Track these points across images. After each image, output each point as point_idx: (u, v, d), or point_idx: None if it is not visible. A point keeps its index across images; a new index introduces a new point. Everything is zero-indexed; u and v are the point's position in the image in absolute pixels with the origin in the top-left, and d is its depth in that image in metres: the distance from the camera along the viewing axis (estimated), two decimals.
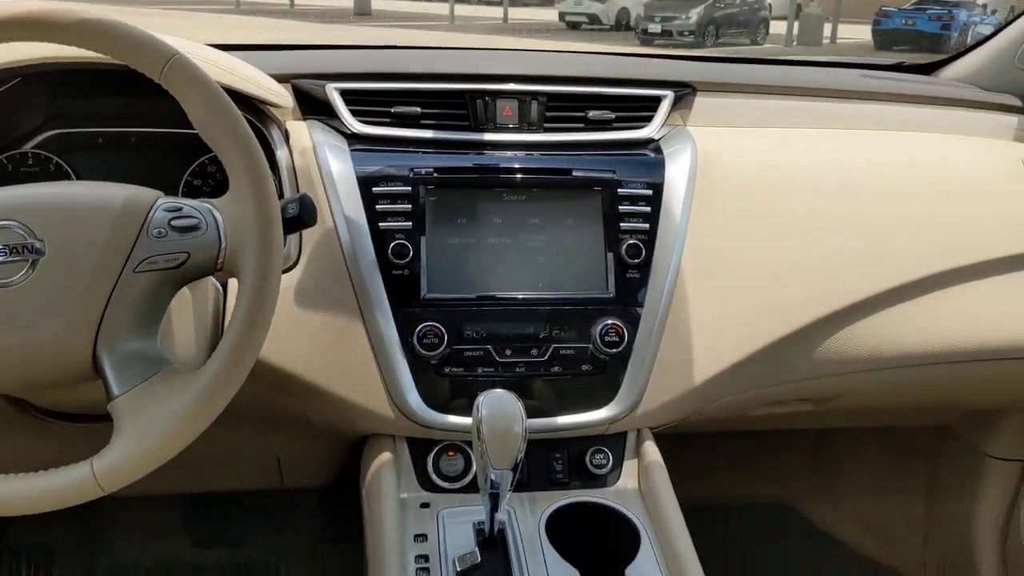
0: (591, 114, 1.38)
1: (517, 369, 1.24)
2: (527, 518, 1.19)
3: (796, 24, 18.63)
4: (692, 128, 1.45)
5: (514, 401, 1.04)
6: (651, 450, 1.29)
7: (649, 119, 1.41)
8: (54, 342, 0.90)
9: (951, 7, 17.77)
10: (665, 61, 1.84)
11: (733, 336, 1.31)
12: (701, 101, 1.49)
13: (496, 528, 1.13)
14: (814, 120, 1.56)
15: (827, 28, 19.01)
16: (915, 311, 1.40)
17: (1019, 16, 1.76)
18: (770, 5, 20.68)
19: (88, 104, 1.30)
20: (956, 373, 1.46)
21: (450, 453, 1.25)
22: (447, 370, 1.23)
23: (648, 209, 1.31)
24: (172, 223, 0.94)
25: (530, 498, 1.23)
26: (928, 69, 1.94)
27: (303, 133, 1.31)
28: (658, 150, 1.38)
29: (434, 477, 1.24)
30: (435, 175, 1.27)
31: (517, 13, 24.36)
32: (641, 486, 1.27)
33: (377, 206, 1.25)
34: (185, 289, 1.05)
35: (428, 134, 1.34)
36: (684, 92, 1.46)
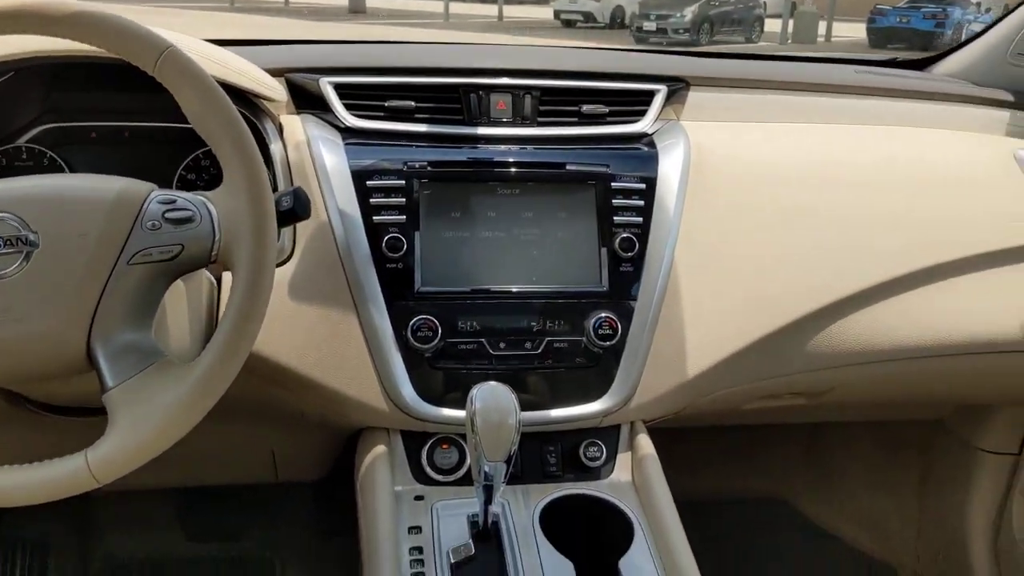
0: (585, 108, 1.38)
1: (511, 362, 1.24)
2: (521, 510, 1.20)
3: (791, 22, 18.66)
4: (685, 123, 1.45)
5: (508, 393, 1.04)
6: (644, 443, 1.29)
7: (643, 113, 1.41)
8: (48, 334, 0.90)
9: (945, 5, 17.80)
10: (659, 56, 1.84)
11: (726, 329, 1.32)
12: (694, 96, 1.49)
13: (490, 520, 1.14)
14: (808, 115, 1.57)
15: (822, 26, 19.04)
16: (907, 304, 1.41)
17: (1011, 12, 1.76)
18: (765, 3, 20.70)
19: (82, 98, 1.30)
20: (948, 366, 1.47)
21: (444, 446, 1.26)
22: (441, 363, 1.23)
23: (641, 203, 1.31)
24: (166, 215, 0.94)
25: (524, 491, 1.23)
26: (921, 65, 1.95)
27: (297, 127, 1.32)
28: (651, 144, 1.39)
29: (428, 470, 1.25)
30: (429, 169, 1.28)
31: (512, 11, 24.34)
32: (635, 479, 1.27)
33: (371, 200, 1.25)
34: (179, 282, 1.05)
35: (422, 128, 1.34)
36: (677, 87, 1.46)
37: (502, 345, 1.24)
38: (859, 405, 1.79)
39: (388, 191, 1.25)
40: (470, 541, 1.13)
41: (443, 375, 1.23)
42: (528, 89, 1.37)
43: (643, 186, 1.32)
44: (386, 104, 1.34)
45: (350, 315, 1.22)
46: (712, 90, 1.52)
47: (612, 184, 1.31)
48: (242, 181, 0.93)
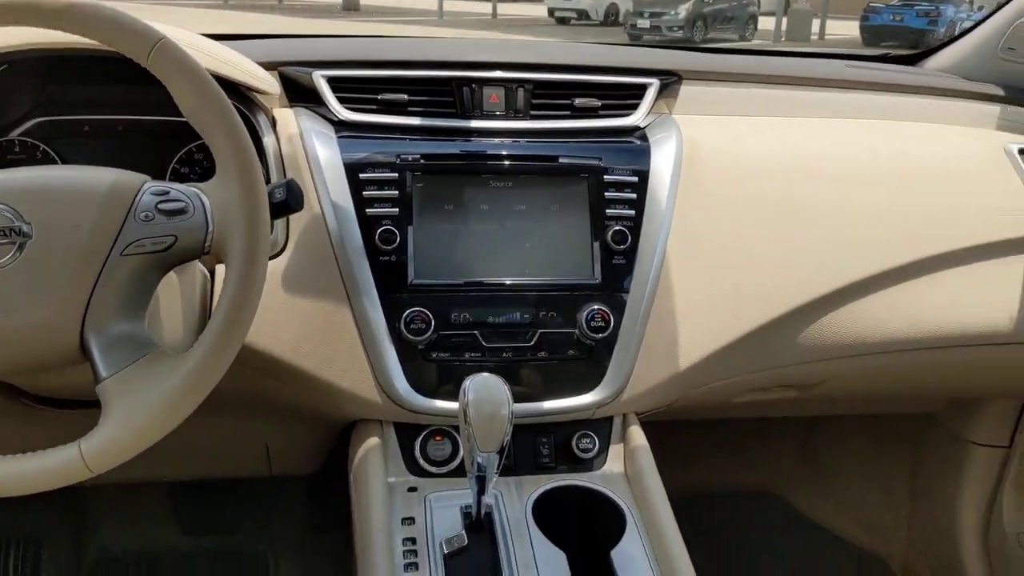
0: (577, 102, 1.39)
1: (504, 354, 1.25)
2: (514, 502, 1.20)
3: (785, 20, 18.70)
4: (678, 116, 1.46)
5: (500, 385, 1.05)
6: (637, 434, 1.30)
7: (635, 107, 1.42)
8: (42, 325, 0.90)
9: (938, 3, 17.87)
10: (651, 50, 1.85)
11: (718, 322, 1.33)
12: (687, 89, 1.49)
13: (483, 511, 1.14)
14: (799, 109, 1.57)
15: (816, 24, 19.08)
16: (898, 297, 1.41)
17: (1001, 7, 1.77)
18: (759, 1, 20.74)
19: (75, 92, 1.30)
20: (938, 359, 1.48)
21: (437, 438, 1.26)
22: (434, 355, 1.23)
23: (634, 196, 1.32)
24: (159, 206, 0.94)
25: (517, 482, 1.24)
26: (912, 60, 1.96)
27: (290, 120, 1.32)
28: (644, 138, 1.39)
29: (421, 462, 1.25)
30: (422, 161, 1.28)
31: (506, 8, 24.34)
32: (627, 470, 1.28)
33: (364, 192, 1.25)
34: (173, 274, 1.06)
35: (415, 121, 1.34)
36: (670, 80, 1.47)
37: (495, 337, 1.25)
38: (850, 398, 1.79)
39: (381, 184, 1.26)
40: (463, 532, 1.14)
41: (436, 367, 1.24)
42: (521, 82, 1.37)
43: (635, 179, 1.33)
44: (379, 97, 1.34)
45: (343, 307, 1.22)
46: (704, 84, 1.52)
47: (604, 177, 1.31)
48: (235, 172, 0.93)
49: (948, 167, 1.51)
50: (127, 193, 0.94)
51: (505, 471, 1.21)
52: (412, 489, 1.22)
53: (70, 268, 0.90)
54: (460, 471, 1.23)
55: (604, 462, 1.29)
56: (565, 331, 1.26)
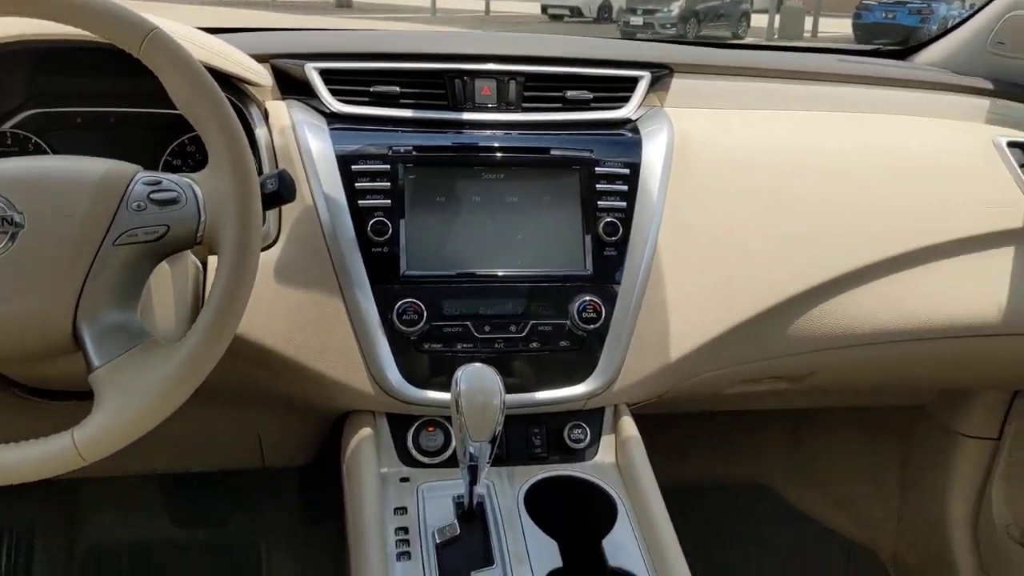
0: (569, 94, 1.39)
1: (496, 345, 1.25)
2: (506, 492, 1.21)
3: (777, 17, 18.72)
4: (669, 109, 1.47)
5: (492, 374, 1.05)
6: (628, 425, 1.30)
7: (626, 99, 1.42)
8: (34, 314, 0.91)
9: (930, 1, 17.89)
10: (643, 43, 1.85)
11: (709, 313, 1.33)
12: (678, 83, 1.50)
13: (475, 501, 1.15)
14: (790, 102, 1.58)
15: (808, 21, 19.11)
16: (888, 289, 1.42)
17: (991, 1, 1.78)
18: None
19: (67, 84, 1.29)
20: (928, 350, 1.49)
21: (430, 429, 1.27)
22: (427, 346, 1.24)
23: (625, 188, 1.32)
24: (151, 196, 0.94)
25: (509, 472, 1.24)
26: (903, 54, 1.97)
27: (282, 112, 1.32)
28: (635, 130, 1.40)
29: (414, 452, 1.25)
30: (414, 153, 1.28)
31: (499, 6, 24.31)
32: (618, 460, 1.28)
33: (356, 184, 1.25)
34: (165, 265, 1.06)
35: (407, 113, 1.34)
36: (661, 73, 1.47)
37: (487, 328, 1.25)
38: (840, 391, 1.80)
39: (373, 175, 1.26)
40: (455, 521, 1.14)
41: (428, 358, 1.24)
42: (513, 75, 1.38)
43: (627, 171, 1.33)
44: (371, 89, 1.34)
45: (336, 299, 1.23)
46: (696, 77, 1.53)
47: (596, 169, 1.32)
48: (227, 162, 0.93)
49: (938, 160, 1.52)
50: (119, 183, 0.94)
51: (497, 461, 1.22)
52: (404, 479, 1.23)
53: (62, 258, 0.91)
54: (452, 462, 1.23)
55: (596, 452, 1.30)
56: (557, 322, 1.27)
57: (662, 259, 1.31)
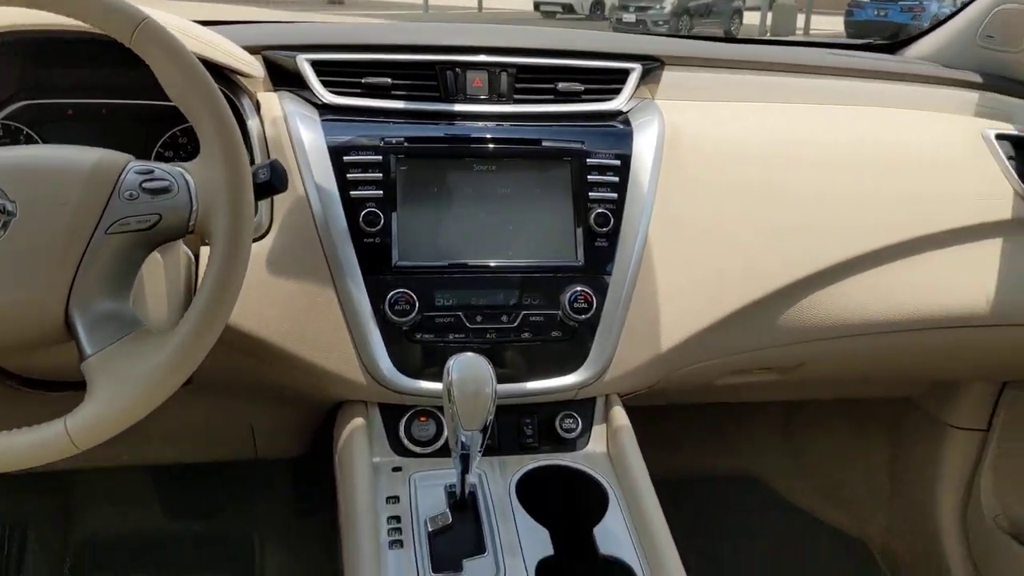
0: (560, 86, 1.40)
1: (488, 335, 1.26)
2: (498, 481, 1.21)
3: (769, 15, 18.75)
4: (660, 101, 1.47)
5: (484, 363, 1.06)
6: (619, 415, 1.31)
7: (618, 91, 1.43)
8: (26, 302, 0.91)
9: None
10: (634, 36, 1.86)
11: (699, 304, 1.34)
12: (669, 75, 1.50)
13: (467, 490, 1.15)
14: (780, 95, 1.58)
15: (800, 19, 19.14)
16: (876, 280, 1.43)
17: None
18: None
19: (59, 75, 1.29)
20: (917, 341, 1.50)
21: (422, 419, 1.27)
22: (418, 336, 1.24)
23: (616, 179, 1.33)
24: (143, 185, 0.94)
25: (500, 462, 1.25)
26: (893, 49, 1.98)
27: (274, 103, 1.32)
28: (626, 122, 1.40)
29: (406, 442, 1.26)
30: (406, 144, 1.29)
31: (491, 2, 24.30)
32: (609, 450, 1.29)
33: (348, 175, 1.26)
34: (158, 256, 1.06)
35: (399, 104, 1.35)
36: (652, 66, 1.48)
37: (479, 318, 1.26)
38: (831, 382, 1.81)
39: (365, 166, 1.26)
40: (447, 510, 1.15)
41: (421, 348, 1.24)
42: (504, 67, 1.38)
43: (618, 163, 1.34)
44: (363, 81, 1.34)
45: (328, 289, 1.23)
46: (686, 70, 1.53)
47: (587, 161, 1.32)
48: (219, 151, 0.93)
49: (927, 153, 1.53)
50: (111, 172, 0.94)
51: (489, 451, 1.23)
52: (397, 469, 1.23)
53: (55, 246, 0.91)
54: (444, 451, 1.24)
55: (587, 442, 1.30)
56: (548, 313, 1.27)
57: (653, 250, 1.32)
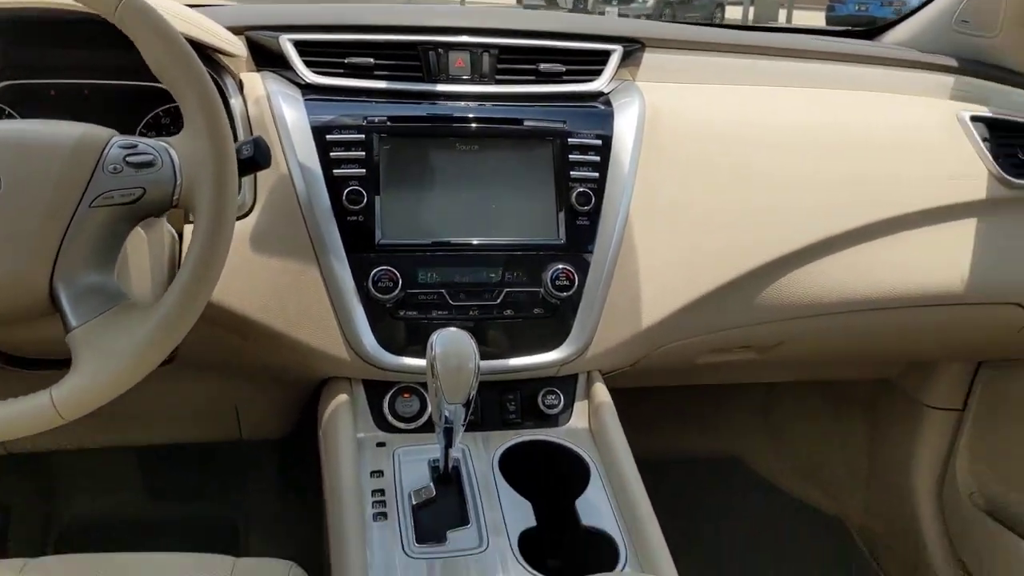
0: (542, 67, 1.40)
1: (470, 312, 1.27)
2: (481, 455, 1.23)
3: (751, 8, 18.82)
4: (641, 83, 1.48)
5: (467, 338, 1.07)
6: (601, 392, 1.33)
7: (599, 73, 1.44)
8: (10, 275, 0.91)
9: None
10: (615, 19, 1.87)
11: (679, 281, 1.36)
12: (650, 57, 1.52)
13: (451, 464, 1.16)
14: (759, 78, 1.60)
15: (782, 14, 19.23)
16: (855, 259, 1.45)
17: None
18: None
19: (41, 55, 1.29)
20: (894, 320, 1.52)
21: (405, 395, 1.28)
22: (402, 313, 1.25)
23: (597, 159, 1.34)
24: (127, 159, 0.95)
25: (484, 437, 1.26)
26: (871, 35, 2.01)
27: (257, 83, 1.32)
28: (607, 103, 1.41)
29: (390, 418, 1.27)
30: (388, 124, 1.29)
31: None
32: (591, 425, 1.31)
33: (331, 154, 1.26)
34: (141, 232, 1.07)
35: (381, 84, 1.35)
36: (633, 48, 1.49)
37: (462, 296, 1.27)
38: (809, 363, 1.83)
39: (348, 145, 1.27)
40: (431, 484, 1.16)
41: (404, 325, 1.25)
42: (486, 47, 1.39)
43: (599, 143, 1.35)
44: (345, 61, 1.35)
45: (311, 266, 1.24)
46: (667, 52, 1.54)
47: (569, 140, 1.34)
48: (203, 125, 0.94)
49: (904, 135, 1.55)
50: (95, 146, 0.95)
51: (472, 427, 1.24)
52: (381, 444, 1.24)
53: (39, 219, 0.91)
54: (428, 427, 1.25)
55: (569, 418, 1.32)
56: (530, 290, 1.29)
57: (634, 229, 1.33)
